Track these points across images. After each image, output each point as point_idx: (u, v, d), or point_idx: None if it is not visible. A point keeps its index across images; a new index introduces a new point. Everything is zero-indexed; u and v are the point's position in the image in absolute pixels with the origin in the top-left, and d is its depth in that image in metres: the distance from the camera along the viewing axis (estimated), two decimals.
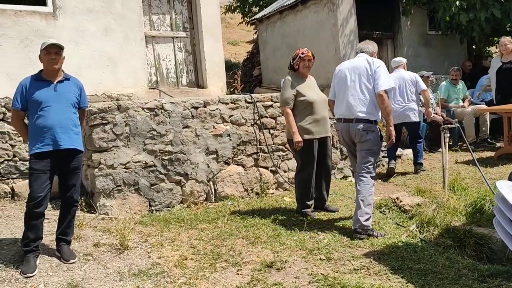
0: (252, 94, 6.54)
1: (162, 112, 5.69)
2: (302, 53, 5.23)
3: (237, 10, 17.17)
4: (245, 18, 16.88)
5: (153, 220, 5.15)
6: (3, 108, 5.91)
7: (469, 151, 6.26)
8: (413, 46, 10.89)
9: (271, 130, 6.45)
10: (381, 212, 5.28)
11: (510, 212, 3.11)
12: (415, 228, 4.76)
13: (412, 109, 7.17)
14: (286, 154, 6.52)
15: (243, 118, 6.25)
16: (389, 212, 5.30)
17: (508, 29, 10.05)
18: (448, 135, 5.85)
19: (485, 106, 8.75)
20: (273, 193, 6.31)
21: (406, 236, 4.58)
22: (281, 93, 5.35)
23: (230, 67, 14.45)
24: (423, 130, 8.24)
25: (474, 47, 12.33)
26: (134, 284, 3.59)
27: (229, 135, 6.11)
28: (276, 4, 12.61)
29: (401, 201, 5.37)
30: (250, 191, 6.22)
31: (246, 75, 13.94)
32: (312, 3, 10.41)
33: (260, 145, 6.34)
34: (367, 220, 4.50)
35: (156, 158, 5.62)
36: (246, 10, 16.88)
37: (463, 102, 9.22)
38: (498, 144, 8.54)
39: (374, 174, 4.70)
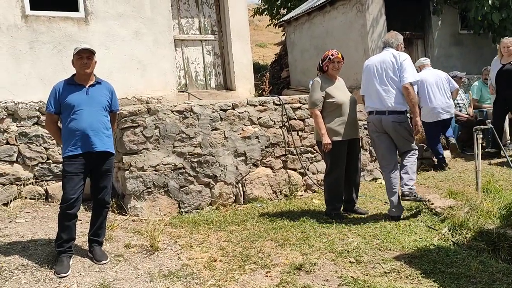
0: (280, 96, 6.54)
1: (191, 115, 5.74)
2: (332, 55, 5.19)
3: (265, 12, 17.20)
4: (273, 20, 16.89)
5: (183, 222, 5.19)
6: (38, 112, 6.08)
7: (503, 153, 6.10)
8: (444, 46, 10.69)
9: (299, 132, 6.44)
10: (412, 215, 5.19)
11: None
12: (447, 231, 4.66)
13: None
14: (315, 156, 6.49)
15: (271, 120, 6.25)
16: (420, 214, 5.21)
17: None
18: (481, 136, 5.71)
19: None
20: (301, 195, 6.29)
21: (438, 239, 4.49)
22: (309, 95, 5.33)
23: (258, 69, 14.48)
24: (455, 131, 8.08)
25: None
26: (164, 285, 3.62)
27: (257, 137, 6.12)
28: (304, 5, 12.56)
29: (432, 204, 5.26)
30: (279, 193, 6.21)
31: (274, 77, 13.95)
32: (341, 4, 10.33)
33: (288, 147, 6.33)
34: (413, 185, 5.04)
35: (185, 160, 5.67)
36: (274, 12, 16.88)
37: None
38: None
39: (417, 149, 5.25)
